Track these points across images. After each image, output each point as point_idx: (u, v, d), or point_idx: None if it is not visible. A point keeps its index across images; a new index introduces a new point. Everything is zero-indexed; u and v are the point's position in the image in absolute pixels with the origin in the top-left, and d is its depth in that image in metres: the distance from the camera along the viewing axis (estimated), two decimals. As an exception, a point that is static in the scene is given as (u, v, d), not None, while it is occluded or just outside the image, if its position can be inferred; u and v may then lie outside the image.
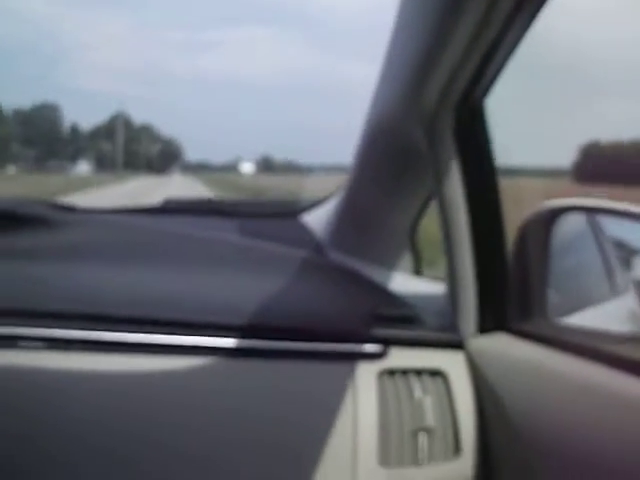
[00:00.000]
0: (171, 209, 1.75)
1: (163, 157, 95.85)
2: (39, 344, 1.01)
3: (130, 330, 1.02)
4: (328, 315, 1.12)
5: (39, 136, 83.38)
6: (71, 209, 1.57)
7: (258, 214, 1.77)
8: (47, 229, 1.26)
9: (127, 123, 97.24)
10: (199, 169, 78.16)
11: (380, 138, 1.23)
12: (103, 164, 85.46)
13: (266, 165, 78.40)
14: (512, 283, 1.05)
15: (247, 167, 74.12)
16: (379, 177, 1.32)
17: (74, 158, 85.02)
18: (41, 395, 0.99)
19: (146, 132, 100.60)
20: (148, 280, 1.16)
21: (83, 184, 27.84)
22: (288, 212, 1.73)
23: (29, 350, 1.01)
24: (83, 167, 77.16)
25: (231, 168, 73.69)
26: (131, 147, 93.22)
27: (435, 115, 1.02)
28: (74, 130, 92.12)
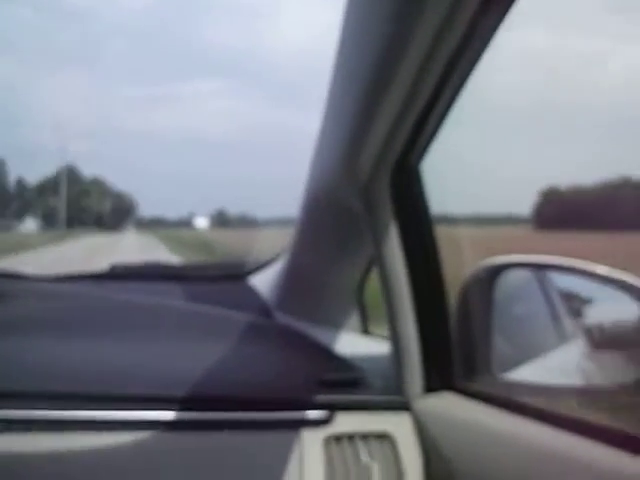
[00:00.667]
0: (118, 274, 1.73)
1: (116, 212, 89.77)
2: None
3: (75, 407, 1.00)
4: (273, 382, 1.11)
5: None
6: (15, 276, 1.54)
7: (205, 277, 1.76)
8: None
9: (75, 177, 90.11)
10: (153, 225, 75.84)
11: (320, 201, 1.23)
12: (51, 221, 78.98)
13: (220, 219, 76.17)
14: (456, 342, 1.05)
15: (201, 222, 73.60)
16: (321, 238, 1.32)
17: (20, 215, 79.73)
18: None
19: (97, 186, 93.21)
20: (95, 352, 1.14)
21: (19, 245, 24.78)
22: (235, 274, 1.73)
23: None
24: (30, 224, 72.91)
25: (186, 223, 73.13)
26: (80, 202, 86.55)
27: (371, 179, 1.03)
28: (20, 184, 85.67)
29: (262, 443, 1.02)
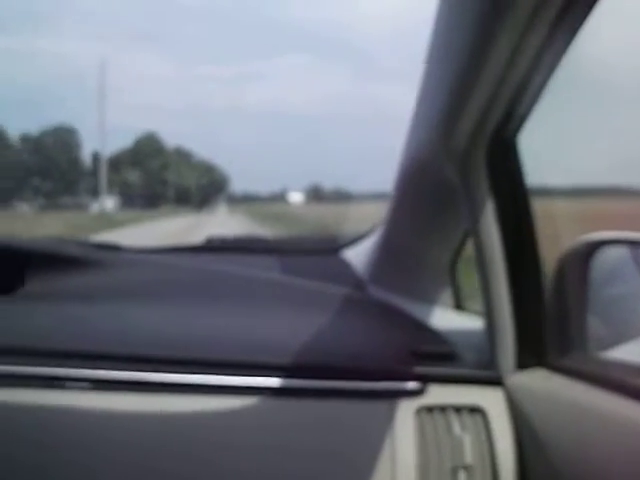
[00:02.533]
0: (213, 247, 1.78)
1: (205, 188, 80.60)
2: (85, 385, 1.04)
3: (173, 371, 1.05)
4: (367, 353, 1.13)
5: (53, 166, 68.18)
6: (115, 248, 1.61)
7: (299, 251, 1.79)
8: (92, 270, 1.30)
9: (157, 148, 78.32)
10: (246, 201, 73.11)
11: (415, 175, 1.24)
12: (130, 199, 70.57)
13: (315, 194, 73.08)
14: (551, 318, 1.04)
15: (296, 197, 71.46)
16: (417, 213, 1.32)
17: (95, 192, 66.60)
18: (86, 435, 1.02)
19: (181, 158, 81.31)
20: (191, 320, 1.19)
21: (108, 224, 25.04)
22: (329, 248, 1.75)
23: (75, 390, 1.04)
24: (108, 203, 62.04)
25: (279, 198, 70.79)
26: (163, 177, 76.15)
27: (468, 152, 1.02)
28: (96, 159, 69.51)
29: (356, 411, 1.05)
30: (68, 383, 1.04)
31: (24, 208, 58.65)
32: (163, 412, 1.03)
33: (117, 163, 74.25)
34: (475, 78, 0.89)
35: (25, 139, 69.46)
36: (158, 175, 77.82)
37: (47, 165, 67.92)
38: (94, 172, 69.24)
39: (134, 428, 1.02)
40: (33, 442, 1.02)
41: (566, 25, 0.79)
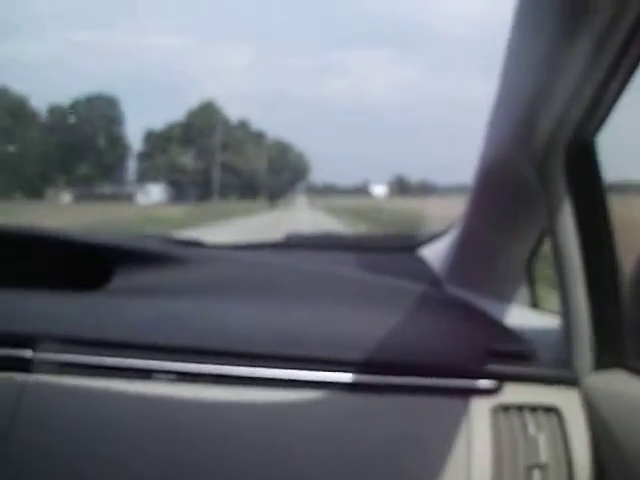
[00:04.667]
0: (293, 244, 1.82)
1: (280, 175, 63.11)
2: (172, 377, 1.09)
3: (255, 365, 1.09)
4: (443, 350, 1.14)
5: (88, 146, 52.73)
6: (197, 244, 1.67)
7: (378, 248, 1.81)
8: (175, 266, 1.35)
9: (219, 121, 58.12)
10: (326, 192, 66.44)
11: (493, 173, 1.24)
12: (181, 187, 55.50)
13: (400, 186, 66.76)
14: (629, 319, 1.03)
15: (379, 189, 67.72)
16: (494, 211, 1.32)
17: (142, 179, 56.00)
18: (172, 425, 1.07)
19: (250, 136, 61.86)
20: (271, 315, 1.23)
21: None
22: (406, 246, 1.76)
23: (162, 382, 1.09)
24: (154, 193, 52.29)
25: (362, 191, 66.66)
26: (225, 159, 57.14)
27: (546, 152, 1.02)
28: (149, 137, 58.00)
29: (432, 408, 1.06)
30: (155, 375, 1.09)
31: (67, 198, 49.82)
32: (244, 403, 1.06)
33: (165, 141, 58.15)
34: (554, 79, 0.90)
35: (54, 112, 53.77)
36: (224, 159, 58.28)
37: (80, 144, 52.44)
38: (146, 153, 58.14)
39: (217, 419, 1.06)
40: (120, 429, 1.07)
41: None
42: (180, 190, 55.81)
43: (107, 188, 54.62)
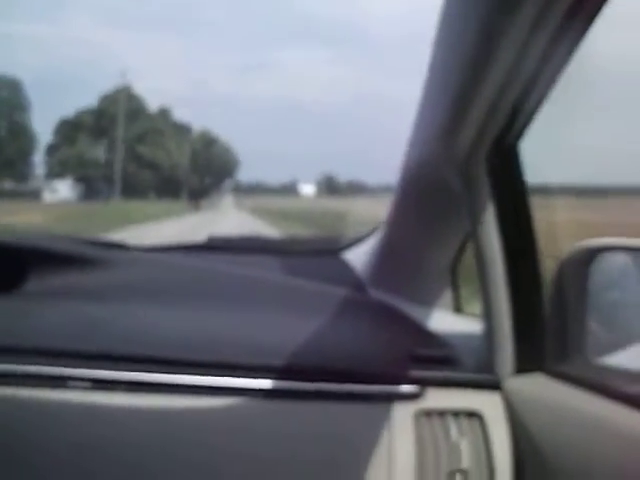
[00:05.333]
0: (215, 246, 1.79)
1: (204, 171, 57.11)
2: (87, 384, 1.04)
3: (172, 371, 1.06)
4: (365, 356, 1.13)
5: None
6: (119, 246, 1.61)
7: (301, 251, 1.80)
8: (94, 268, 1.30)
9: (136, 109, 51.79)
10: (253, 192, 64.06)
11: (417, 177, 1.24)
12: (91, 184, 49.10)
13: (329, 186, 66.70)
14: (550, 323, 1.04)
15: (307, 188, 68.08)
16: (418, 215, 1.33)
17: (51, 174, 50.33)
18: (84, 432, 1.03)
19: (171, 126, 55.38)
20: (192, 320, 1.19)
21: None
22: (330, 249, 1.76)
23: (77, 390, 1.04)
24: (61, 191, 46.98)
25: (289, 190, 67.87)
26: (144, 152, 51.22)
27: (469, 156, 1.03)
28: (61, 128, 50.78)
29: (354, 414, 1.05)
30: (70, 382, 1.05)
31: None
32: (161, 411, 1.03)
33: (73, 130, 51.62)
34: (477, 84, 0.90)
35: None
36: (134, 150, 52.04)
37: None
38: (55, 146, 51.09)
39: (132, 427, 1.03)
40: (32, 439, 1.02)
41: (569, 32, 0.79)
42: (90, 187, 50.32)
43: (8, 184, 49.12)
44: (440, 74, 1.01)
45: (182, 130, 57.68)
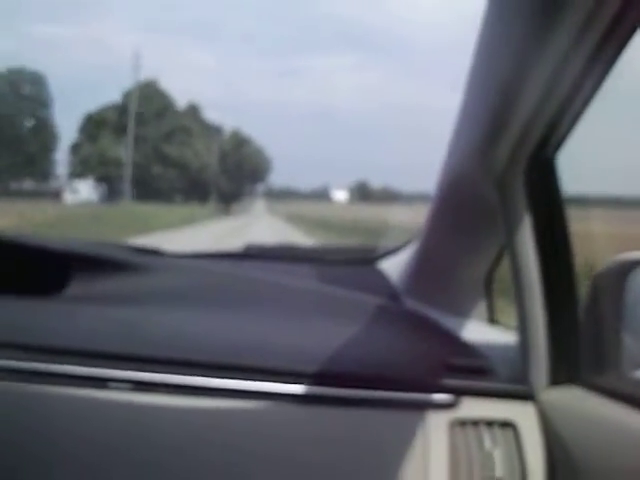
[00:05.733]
0: (252, 254, 1.81)
1: (234, 173, 52.27)
2: (127, 385, 1.07)
3: (209, 375, 1.07)
4: (401, 364, 1.14)
5: (6, 131, 43.11)
6: (156, 253, 1.65)
7: (337, 261, 1.81)
8: (132, 274, 1.34)
9: (163, 106, 48.66)
10: (284, 196, 64.10)
11: (454, 188, 1.25)
12: (114, 185, 45.99)
13: (361, 192, 65.38)
14: (585, 335, 1.04)
15: (339, 194, 67.29)
16: (454, 226, 1.33)
17: (73, 175, 47.64)
18: (127, 433, 1.05)
19: (199, 124, 51.53)
20: (228, 326, 1.22)
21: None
22: (366, 259, 1.77)
23: (117, 391, 1.07)
24: (83, 191, 45.04)
25: (321, 195, 67.41)
26: (167, 151, 47.49)
27: (507, 169, 1.03)
28: (87, 128, 47.67)
29: (388, 422, 1.06)
30: (111, 384, 1.07)
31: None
32: (198, 414, 1.05)
33: (96, 127, 48.80)
34: (516, 99, 0.91)
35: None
36: (159, 149, 48.39)
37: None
38: (78, 145, 48.13)
39: (171, 428, 1.05)
40: (75, 437, 1.05)
41: (608, 47, 0.80)
42: (112, 187, 47.47)
43: (28, 184, 47.15)
44: (479, 88, 1.02)
45: (212, 130, 54.60)
